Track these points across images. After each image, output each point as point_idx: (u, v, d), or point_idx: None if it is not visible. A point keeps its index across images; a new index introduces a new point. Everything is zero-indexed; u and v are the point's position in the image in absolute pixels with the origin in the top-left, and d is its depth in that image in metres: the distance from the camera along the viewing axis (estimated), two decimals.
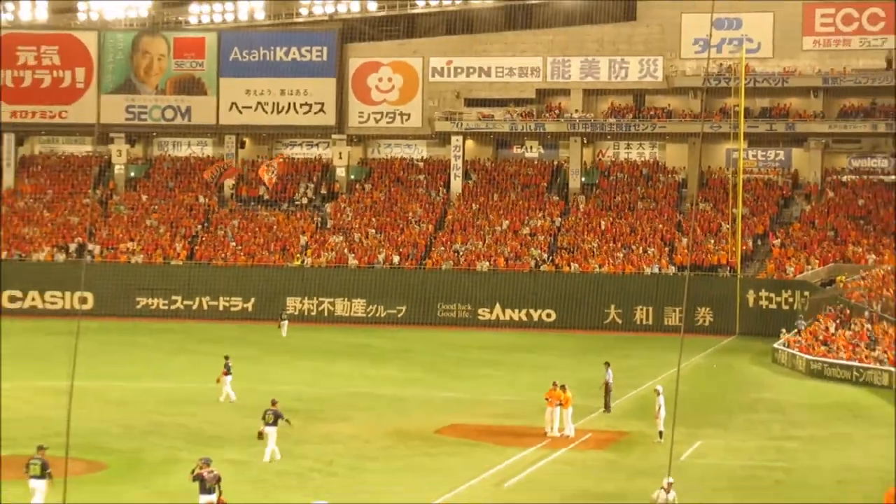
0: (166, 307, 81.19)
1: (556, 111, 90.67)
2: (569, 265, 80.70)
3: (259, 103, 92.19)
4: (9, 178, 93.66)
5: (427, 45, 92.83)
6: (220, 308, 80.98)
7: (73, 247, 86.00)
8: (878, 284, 69.02)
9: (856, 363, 56.98)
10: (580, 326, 76.64)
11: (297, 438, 37.91)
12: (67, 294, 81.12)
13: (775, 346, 64.33)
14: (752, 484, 35.09)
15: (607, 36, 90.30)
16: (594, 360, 52.89)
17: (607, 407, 46.47)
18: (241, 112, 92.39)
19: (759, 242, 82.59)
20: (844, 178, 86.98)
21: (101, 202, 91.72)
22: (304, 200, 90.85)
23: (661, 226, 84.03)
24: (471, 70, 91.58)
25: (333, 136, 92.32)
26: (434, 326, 77.52)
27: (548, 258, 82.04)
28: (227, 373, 47.56)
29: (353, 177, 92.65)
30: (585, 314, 77.65)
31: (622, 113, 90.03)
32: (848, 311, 66.07)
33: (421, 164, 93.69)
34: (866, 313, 64.61)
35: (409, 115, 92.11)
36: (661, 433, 40.21)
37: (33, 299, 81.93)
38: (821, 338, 62.16)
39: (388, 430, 41.91)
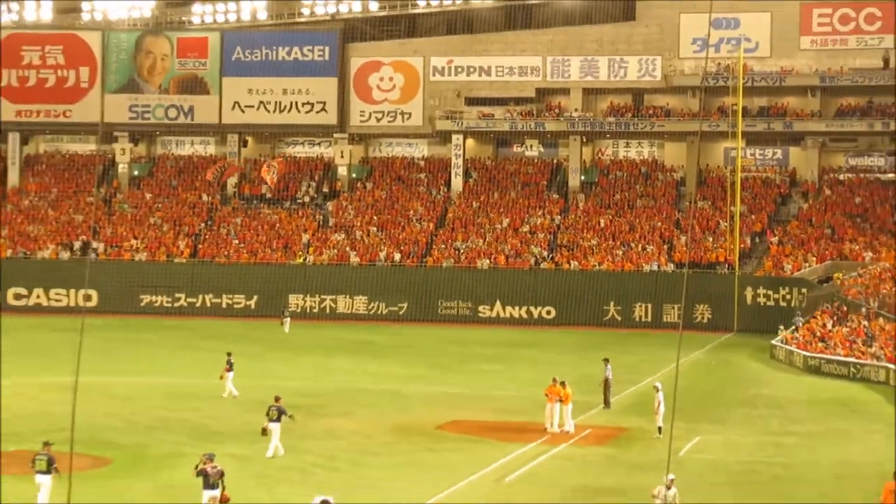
0: (170, 304, 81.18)
1: (556, 110, 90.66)
2: (568, 263, 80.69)
3: (261, 102, 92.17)
4: (14, 177, 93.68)
5: (428, 44, 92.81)
6: (224, 305, 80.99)
7: (77, 245, 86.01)
8: (875, 281, 69.03)
9: (853, 359, 56.98)
10: (580, 323, 76.68)
11: (299, 434, 37.93)
12: (72, 291, 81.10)
13: (773, 342, 64.35)
14: (751, 479, 35.09)
15: (606, 36, 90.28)
16: (594, 357, 52.90)
17: (607, 403, 46.47)
18: (243, 111, 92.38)
19: (757, 240, 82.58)
20: (841, 177, 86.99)
21: (105, 200, 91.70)
22: (307, 199, 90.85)
23: (659, 223, 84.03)
24: (471, 69, 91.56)
25: (335, 135, 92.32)
26: (435, 323, 77.50)
27: (548, 256, 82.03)
28: (230, 369, 47.65)
29: (354, 175, 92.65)
30: (585, 311, 77.67)
31: (621, 112, 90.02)
32: (845, 308, 66.08)
33: (422, 163, 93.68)
34: (863, 310, 64.61)
35: (410, 114, 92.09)
36: (660, 429, 40.22)
37: (38, 297, 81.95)
38: (818, 334, 62.17)
39: (390, 426, 41.91)
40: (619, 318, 77.40)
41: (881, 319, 62.22)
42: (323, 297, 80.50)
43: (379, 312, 79.71)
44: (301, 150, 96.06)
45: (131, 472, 34.26)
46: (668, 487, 27.19)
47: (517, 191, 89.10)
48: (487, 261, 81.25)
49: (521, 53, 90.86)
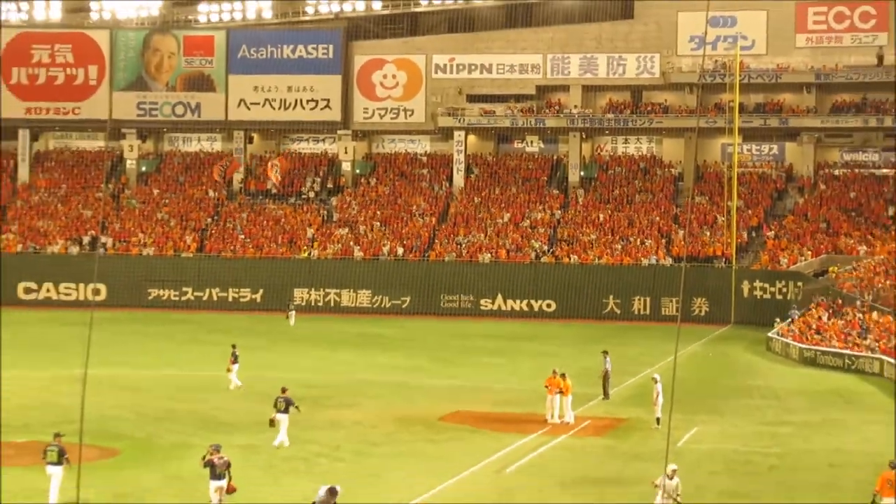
0: (177, 298, 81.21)
1: (556, 107, 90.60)
2: (568, 257, 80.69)
3: (267, 100, 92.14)
4: (24, 173, 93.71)
5: (430, 42, 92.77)
6: (230, 299, 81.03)
7: (86, 240, 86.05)
8: (870, 275, 69.07)
9: (848, 351, 57.02)
10: (580, 316, 76.66)
11: (304, 425, 37.94)
12: (81, 286, 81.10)
13: (769, 334, 64.37)
14: (748, 468, 35.10)
15: (605, 34, 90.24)
16: (593, 349, 52.90)
17: (606, 394, 46.49)
18: (249, 108, 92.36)
19: (754, 234, 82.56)
20: (836, 172, 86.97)
21: (114, 196, 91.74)
22: (311, 194, 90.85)
23: (658, 218, 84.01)
24: (473, 67, 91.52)
25: (339, 132, 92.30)
26: (437, 316, 77.53)
27: (548, 250, 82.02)
28: (235, 361, 47.70)
29: (358, 171, 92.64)
30: (585, 304, 77.68)
31: (620, 108, 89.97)
32: (840, 301, 66.10)
33: (424, 159, 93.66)
34: (858, 303, 64.65)
35: (412, 111, 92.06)
36: (658, 419, 40.23)
37: (48, 291, 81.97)
38: (814, 327, 62.20)
39: (393, 417, 41.93)
40: (619, 312, 77.41)
41: (875, 312, 62.23)
42: (327, 290, 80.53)
43: (382, 306, 79.73)
44: (305, 147, 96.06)
45: (139, 463, 34.29)
46: (671, 478, 27.20)
47: (518, 186, 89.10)
48: (489, 255, 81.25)
49: (522, 51, 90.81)
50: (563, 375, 41.60)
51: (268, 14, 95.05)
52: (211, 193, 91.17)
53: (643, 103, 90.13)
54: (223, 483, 28.16)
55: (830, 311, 64.86)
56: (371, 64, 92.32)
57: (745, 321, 73.20)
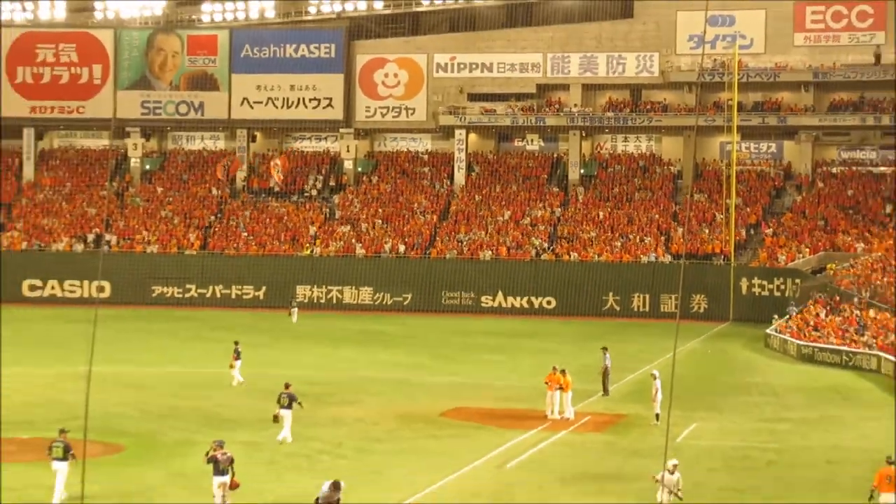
0: (181, 295, 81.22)
1: (556, 105, 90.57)
2: (568, 254, 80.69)
3: (269, 98, 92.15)
4: (29, 172, 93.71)
5: (431, 42, 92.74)
6: (233, 296, 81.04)
7: (90, 237, 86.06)
8: (867, 272, 69.05)
9: (845, 348, 56.99)
10: (579, 313, 76.67)
11: (306, 421, 37.93)
12: (86, 283, 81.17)
13: (768, 331, 64.36)
14: (746, 464, 35.10)
15: (605, 33, 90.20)
16: (593, 346, 52.82)
17: (606, 391, 46.48)
18: (252, 107, 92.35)
19: (752, 232, 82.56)
20: (834, 170, 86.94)
21: (118, 194, 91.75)
22: (314, 192, 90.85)
23: (657, 216, 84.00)
24: (473, 66, 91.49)
25: (341, 130, 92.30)
26: (439, 313, 77.53)
27: (548, 247, 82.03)
28: (237, 358, 47.72)
29: (360, 169, 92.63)
30: (584, 301, 77.68)
31: (620, 107, 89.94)
32: (838, 298, 66.08)
33: (425, 157, 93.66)
34: (855, 300, 64.64)
35: (414, 110, 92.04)
36: (657, 416, 40.24)
37: (53, 288, 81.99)
38: (811, 323, 62.18)
39: (395, 414, 41.92)
40: (618, 308, 77.40)
41: (872, 309, 62.22)
42: (330, 287, 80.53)
43: (384, 303, 79.73)
44: (308, 145, 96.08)
45: (143, 459, 34.29)
46: (672, 473, 27.19)
47: (518, 184, 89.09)
48: (490, 252, 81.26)
49: (522, 50, 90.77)
50: (563, 372, 41.59)
51: (270, 14, 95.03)
52: (214, 191, 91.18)
53: (642, 102, 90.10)
54: (226, 479, 28.15)
55: (828, 308, 64.85)
56: (373, 63, 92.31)
57: (744, 318, 73.16)
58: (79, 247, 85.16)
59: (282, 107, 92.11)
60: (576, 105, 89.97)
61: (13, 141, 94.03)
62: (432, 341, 64.85)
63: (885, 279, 66.36)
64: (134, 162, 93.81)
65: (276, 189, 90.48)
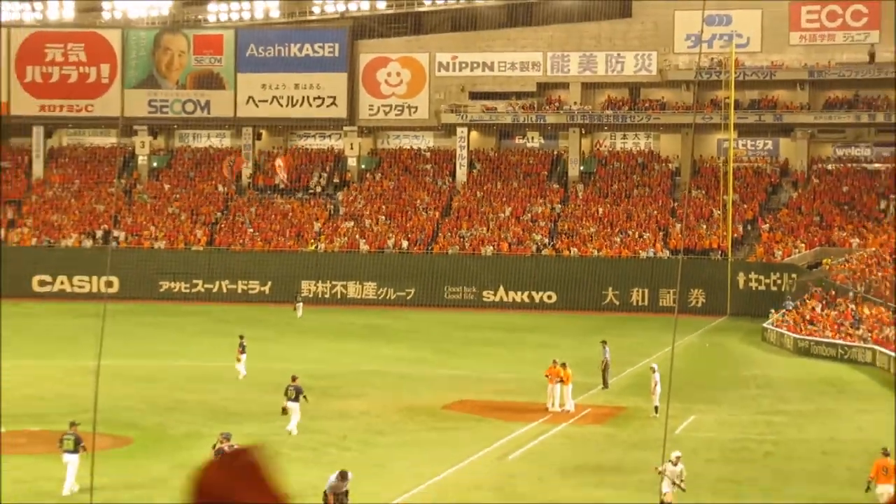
0: (188, 290, 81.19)
1: (556, 104, 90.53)
2: (568, 249, 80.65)
3: (274, 97, 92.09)
4: (38, 169, 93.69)
5: (433, 41, 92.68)
6: (239, 291, 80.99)
7: (99, 233, 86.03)
8: (862, 267, 69.00)
9: (841, 341, 56.98)
10: (579, 307, 76.54)
11: (312, 414, 37.94)
12: (94, 278, 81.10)
13: (764, 325, 64.35)
14: (743, 456, 35.11)
15: (604, 32, 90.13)
16: (593, 340, 52.76)
17: (605, 384, 46.49)
18: (257, 105, 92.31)
19: (749, 227, 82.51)
20: (829, 167, 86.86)
21: (126, 191, 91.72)
22: (318, 189, 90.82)
23: (655, 212, 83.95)
24: (475, 65, 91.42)
25: (345, 128, 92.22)
26: (441, 308, 77.43)
27: (548, 243, 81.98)
28: (243, 351, 47.71)
29: (363, 166, 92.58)
30: (584, 296, 77.60)
31: (618, 105, 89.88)
32: (833, 292, 66.01)
33: (428, 154, 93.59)
34: (851, 294, 64.60)
35: (416, 108, 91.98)
36: (656, 408, 40.23)
37: (62, 283, 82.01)
38: (807, 317, 62.14)
39: (398, 406, 41.93)
40: (618, 303, 77.35)
41: (868, 303, 62.18)
42: (334, 283, 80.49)
43: (387, 298, 79.69)
44: (312, 143, 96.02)
45: (151, 452, 34.31)
46: (675, 464, 27.17)
47: (519, 181, 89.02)
48: (491, 248, 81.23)
49: (523, 49, 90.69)
50: (563, 365, 41.61)
51: (275, 14, 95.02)
52: (220, 188, 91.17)
53: (641, 100, 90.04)
54: None
55: (824, 303, 64.79)
56: (376, 62, 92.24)
57: (741, 312, 73.08)
58: (87, 243, 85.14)
59: (286, 105, 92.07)
60: (575, 103, 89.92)
61: (23, 139, 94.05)
62: (435, 335, 64.83)
63: (880, 274, 66.32)
64: (141, 159, 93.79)
65: (282, 185, 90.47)
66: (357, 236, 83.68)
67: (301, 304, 73.55)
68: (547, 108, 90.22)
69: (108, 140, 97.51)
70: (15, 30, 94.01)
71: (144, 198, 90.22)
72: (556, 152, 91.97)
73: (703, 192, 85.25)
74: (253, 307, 76.58)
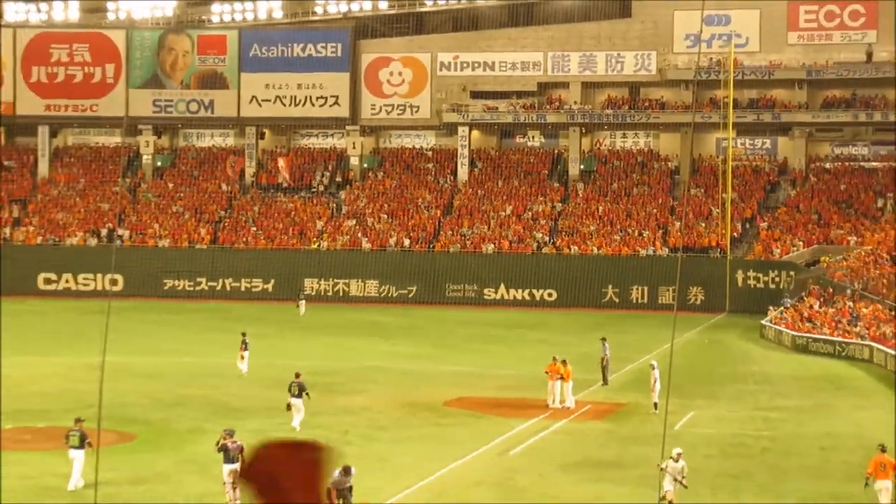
0: (191, 288, 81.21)
1: (557, 103, 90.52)
2: (569, 247, 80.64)
3: (277, 97, 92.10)
4: (44, 168, 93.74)
5: (435, 41, 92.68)
6: (242, 289, 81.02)
7: (104, 232, 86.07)
8: (860, 265, 68.97)
9: (838, 338, 56.98)
10: (580, 305, 76.55)
11: (314, 410, 37.92)
12: (99, 276, 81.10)
13: (763, 322, 64.35)
14: (741, 451, 35.11)
15: (604, 32, 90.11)
16: (593, 337, 52.74)
17: (605, 380, 46.49)
18: (260, 105, 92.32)
19: (748, 225, 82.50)
20: (827, 165, 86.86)
21: (130, 190, 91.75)
22: (321, 188, 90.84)
23: (655, 210, 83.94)
24: (476, 64, 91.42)
25: (347, 128, 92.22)
26: (442, 305, 77.45)
27: (549, 241, 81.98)
28: (245, 348, 47.72)
29: (366, 165, 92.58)
30: (585, 293, 77.60)
31: (618, 104, 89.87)
32: (831, 290, 66.03)
33: (430, 153, 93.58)
34: (848, 292, 64.57)
35: (418, 107, 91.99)
36: (655, 404, 40.21)
37: (67, 281, 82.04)
38: (805, 315, 62.13)
39: (400, 403, 41.93)
40: (617, 300, 77.34)
41: (864, 301, 62.16)
42: (336, 280, 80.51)
43: (389, 295, 79.70)
44: (315, 142, 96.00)
45: (155, 447, 34.32)
46: (676, 461, 27.16)
47: (520, 179, 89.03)
48: (492, 246, 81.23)
49: (523, 49, 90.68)
50: (563, 362, 41.60)
51: (278, 14, 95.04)
52: (224, 187, 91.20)
53: (640, 99, 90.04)
54: (237, 466, 28.14)
55: (821, 300, 64.80)
56: (378, 62, 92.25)
57: (740, 309, 73.09)
58: (92, 241, 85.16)
59: (289, 105, 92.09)
60: (576, 102, 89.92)
61: (28, 138, 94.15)
62: (436, 333, 64.84)
63: (877, 271, 66.31)
64: (146, 158, 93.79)
65: (285, 184, 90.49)
66: (359, 234, 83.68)
67: (304, 301, 73.54)
68: (547, 107, 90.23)
69: (113, 139, 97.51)
70: (21, 30, 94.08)
71: (149, 196, 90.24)
72: (556, 151, 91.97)
73: (702, 190, 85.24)
74: (256, 305, 76.65)
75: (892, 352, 51.35)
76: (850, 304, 62.23)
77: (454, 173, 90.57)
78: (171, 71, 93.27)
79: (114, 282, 78.35)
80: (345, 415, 39.25)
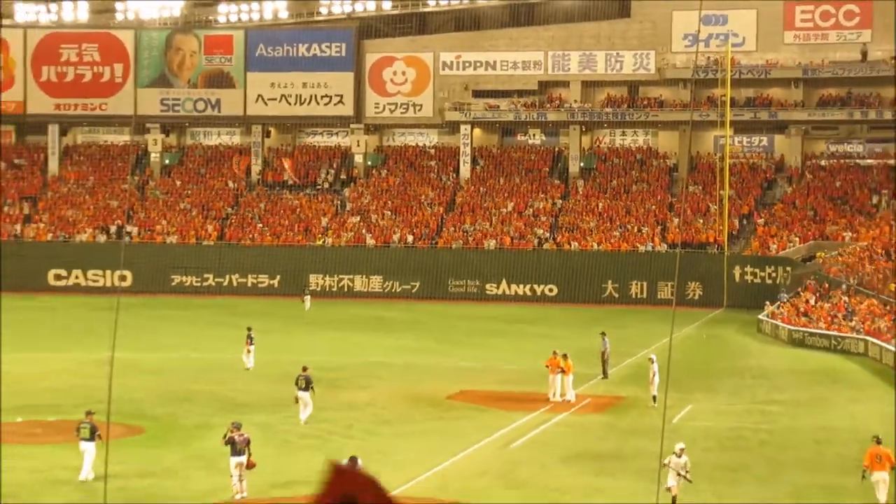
0: (199, 284, 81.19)
1: (557, 101, 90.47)
2: (569, 243, 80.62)
3: (283, 95, 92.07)
4: (54, 166, 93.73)
5: (437, 40, 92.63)
6: (249, 285, 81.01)
7: (113, 229, 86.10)
8: (855, 260, 68.95)
9: (834, 333, 56.95)
10: (580, 300, 76.54)
11: (319, 405, 37.88)
12: (108, 272, 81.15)
13: (760, 317, 64.30)
14: (739, 444, 35.10)
15: (603, 32, 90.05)
16: (593, 331, 52.71)
17: (605, 374, 46.48)
18: (266, 104, 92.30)
19: (745, 222, 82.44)
20: (823, 163, 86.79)
21: (139, 187, 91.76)
22: (325, 185, 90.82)
23: (653, 207, 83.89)
24: (478, 64, 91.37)
25: (352, 126, 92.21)
26: (445, 301, 77.39)
27: (550, 237, 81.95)
28: (251, 343, 47.72)
29: (369, 163, 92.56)
30: (585, 289, 77.58)
31: (618, 103, 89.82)
32: (827, 285, 66.00)
33: (432, 151, 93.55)
34: (843, 287, 64.53)
35: (421, 106, 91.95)
36: (654, 398, 40.21)
37: (77, 277, 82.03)
38: (802, 309, 62.11)
39: (403, 397, 41.93)
40: (617, 296, 77.30)
41: (860, 296, 62.13)
42: (341, 276, 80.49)
43: (393, 291, 79.67)
44: (320, 140, 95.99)
45: (163, 441, 34.33)
46: (679, 456, 27.13)
47: (521, 177, 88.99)
48: (494, 242, 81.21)
49: (524, 49, 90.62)
50: (564, 356, 41.60)
51: (284, 14, 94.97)
52: (231, 184, 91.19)
53: (639, 98, 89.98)
54: (243, 459, 28.20)
55: (817, 295, 64.76)
56: (382, 61, 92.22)
57: (737, 304, 73.02)
58: (101, 238, 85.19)
59: (295, 103, 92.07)
60: (576, 101, 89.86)
61: (39, 137, 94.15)
62: (439, 327, 64.84)
63: (872, 267, 66.27)
64: (154, 157, 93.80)
65: (290, 182, 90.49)
66: (363, 231, 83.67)
67: (309, 297, 73.55)
68: (548, 105, 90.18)
69: (122, 138, 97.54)
70: (31, 30, 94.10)
71: (157, 194, 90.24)
72: (556, 149, 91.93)
73: (700, 187, 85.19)
74: (262, 300, 76.60)
75: (887, 346, 51.35)
76: (846, 298, 62.20)
77: (456, 171, 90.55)
78: (179, 70, 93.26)
79: (123, 278, 78.40)
80: (349, 409, 39.25)
